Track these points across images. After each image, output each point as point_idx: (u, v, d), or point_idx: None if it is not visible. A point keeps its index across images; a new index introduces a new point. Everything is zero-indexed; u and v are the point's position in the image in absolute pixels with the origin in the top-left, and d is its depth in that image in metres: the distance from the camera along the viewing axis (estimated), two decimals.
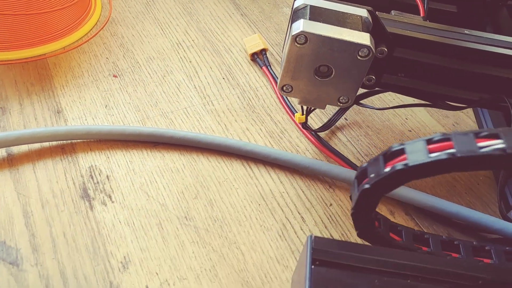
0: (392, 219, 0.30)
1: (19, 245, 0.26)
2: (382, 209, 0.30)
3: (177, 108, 0.35)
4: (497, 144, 0.17)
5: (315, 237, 0.25)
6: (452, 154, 0.17)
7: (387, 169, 0.19)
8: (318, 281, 0.22)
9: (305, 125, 0.32)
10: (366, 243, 0.25)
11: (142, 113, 0.34)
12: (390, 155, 0.19)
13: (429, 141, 0.18)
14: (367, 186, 0.19)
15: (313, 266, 0.23)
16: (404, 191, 0.30)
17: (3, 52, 0.37)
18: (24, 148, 0.31)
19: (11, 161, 0.30)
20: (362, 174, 0.20)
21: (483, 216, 0.29)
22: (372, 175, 0.19)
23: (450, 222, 0.30)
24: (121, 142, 0.32)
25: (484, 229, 0.29)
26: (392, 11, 0.32)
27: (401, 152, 0.19)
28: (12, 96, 0.34)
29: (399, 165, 0.18)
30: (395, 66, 0.29)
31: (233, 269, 0.26)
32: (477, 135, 0.18)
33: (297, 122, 0.33)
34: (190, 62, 0.39)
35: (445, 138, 0.18)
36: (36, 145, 0.31)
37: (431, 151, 0.18)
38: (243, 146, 0.32)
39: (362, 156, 0.34)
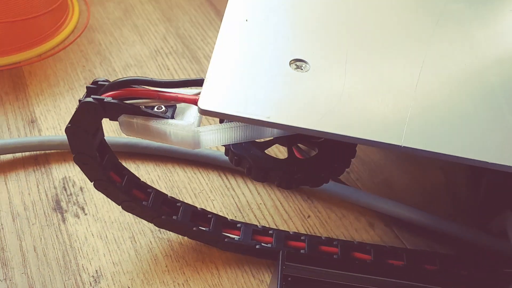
0: (371, 231, 0.31)
1: None
2: (361, 221, 0.31)
3: None
4: None
5: (287, 252, 0.26)
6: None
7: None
8: None
9: None
10: None
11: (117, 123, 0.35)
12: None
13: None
14: (89, 99, 0.20)
15: (284, 283, 0.24)
16: (383, 203, 0.31)
17: None
18: None
19: None
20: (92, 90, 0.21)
21: (461, 228, 0.30)
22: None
23: (431, 234, 0.31)
24: None
25: (463, 240, 0.30)
26: None
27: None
28: None
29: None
30: None
31: (207, 284, 0.27)
32: None
33: None
34: (168, 69, 0.40)
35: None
36: (9, 156, 0.32)
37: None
38: (219, 156, 0.32)
39: None
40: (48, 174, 0.31)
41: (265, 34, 0.21)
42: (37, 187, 0.30)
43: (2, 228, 0.28)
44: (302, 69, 0.20)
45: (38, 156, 0.32)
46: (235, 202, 0.31)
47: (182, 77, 0.39)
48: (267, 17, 0.22)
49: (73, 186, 0.31)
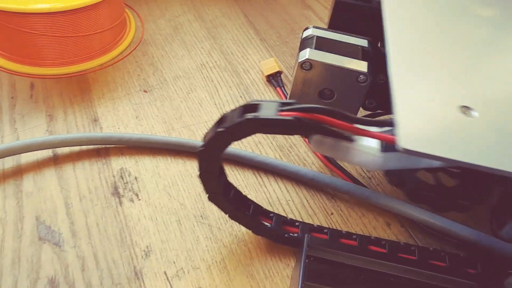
0: (388, 230, 0.35)
1: (61, 230, 0.32)
2: (379, 220, 0.35)
3: (198, 122, 0.41)
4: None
5: (311, 236, 0.30)
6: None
7: (240, 118, 0.23)
8: (310, 273, 0.27)
9: None
10: None
11: (168, 125, 0.40)
12: (248, 107, 0.24)
13: (283, 104, 0.24)
14: (221, 129, 0.24)
15: (307, 260, 0.28)
16: (400, 205, 0.35)
17: (53, 68, 0.44)
18: (66, 150, 0.37)
19: (56, 161, 0.37)
20: (221, 120, 0.25)
21: (473, 232, 0.34)
22: (228, 122, 0.24)
23: (443, 236, 0.34)
24: (149, 149, 0.38)
25: (474, 244, 0.34)
26: None
27: (257, 106, 0.24)
28: (58, 106, 0.41)
29: (250, 115, 0.23)
30: None
31: (240, 263, 0.32)
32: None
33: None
34: (212, 81, 0.45)
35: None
36: (76, 148, 0.38)
37: (281, 112, 0.23)
38: (255, 157, 0.37)
39: (365, 172, 0.39)
40: (108, 165, 0.37)
41: (431, 83, 0.25)
42: (99, 175, 0.36)
43: (72, 206, 0.34)
44: (470, 115, 0.23)
45: (100, 150, 0.38)
46: (267, 198, 0.36)
47: (224, 88, 0.45)
48: (428, 68, 0.26)
49: (129, 175, 0.36)
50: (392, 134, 0.23)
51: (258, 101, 0.25)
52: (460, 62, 0.27)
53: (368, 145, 0.25)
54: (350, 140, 0.24)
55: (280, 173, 0.37)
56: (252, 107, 0.25)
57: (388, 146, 0.25)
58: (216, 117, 0.42)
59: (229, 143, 0.25)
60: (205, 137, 0.26)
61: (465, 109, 0.23)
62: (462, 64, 0.26)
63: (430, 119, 0.23)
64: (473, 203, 0.30)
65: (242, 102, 0.43)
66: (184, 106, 0.42)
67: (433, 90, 0.24)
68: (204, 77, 0.46)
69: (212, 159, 0.26)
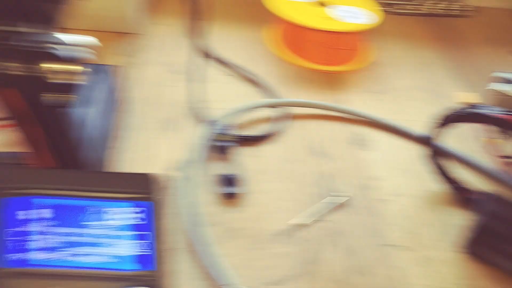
0: None
1: (319, 152, 0.53)
2: None
3: (411, 119, 0.59)
4: None
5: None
6: None
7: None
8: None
9: None
10: None
11: (388, 114, 0.59)
12: (473, 106, 0.41)
13: (500, 110, 0.40)
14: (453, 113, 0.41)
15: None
16: None
17: (315, 65, 0.68)
18: (321, 111, 0.59)
19: (313, 116, 0.59)
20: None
21: None
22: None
23: None
24: (376, 125, 0.58)
25: None
26: None
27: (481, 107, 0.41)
28: (313, 88, 0.64)
29: (477, 111, 0.39)
30: None
31: (436, 204, 0.48)
32: None
33: None
34: (421, 97, 0.64)
35: None
36: (327, 112, 0.59)
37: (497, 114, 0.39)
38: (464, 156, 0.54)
39: None
40: (346, 127, 0.57)
41: None
42: (339, 131, 0.57)
43: (323, 143, 0.54)
44: None
45: (342, 118, 0.59)
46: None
47: (427, 105, 0.62)
48: None
49: (362, 137, 0.56)
50: None
51: (482, 105, 0.42)
52: None
53: None
54: None
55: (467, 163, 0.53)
56: (477, 106, 0.42)
57: None
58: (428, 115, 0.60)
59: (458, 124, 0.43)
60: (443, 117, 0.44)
61: None
62: None
63: None
64: None
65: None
66: (402, 106, 0.62)
67: None
68: (412, 94, 0.64)
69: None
